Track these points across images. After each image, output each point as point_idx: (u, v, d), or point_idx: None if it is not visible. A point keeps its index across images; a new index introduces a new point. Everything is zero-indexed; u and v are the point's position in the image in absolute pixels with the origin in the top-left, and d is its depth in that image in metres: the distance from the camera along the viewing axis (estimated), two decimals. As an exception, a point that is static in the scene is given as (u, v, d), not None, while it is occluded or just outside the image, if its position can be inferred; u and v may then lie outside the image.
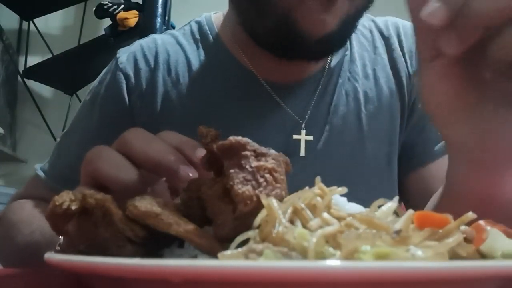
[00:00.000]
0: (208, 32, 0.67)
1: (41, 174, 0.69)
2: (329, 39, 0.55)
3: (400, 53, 0.69)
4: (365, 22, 0.71)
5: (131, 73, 0.65)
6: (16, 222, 0.63)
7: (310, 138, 0.63)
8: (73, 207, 0.29)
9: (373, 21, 0.72)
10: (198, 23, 0.69)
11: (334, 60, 0.66)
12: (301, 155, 0.62)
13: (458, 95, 0.38)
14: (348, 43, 0.68)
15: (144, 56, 0.67)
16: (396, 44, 0.69)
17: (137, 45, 0.69)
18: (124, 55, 0.68)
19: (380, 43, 0.69)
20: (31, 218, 0.62)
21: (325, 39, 0.55)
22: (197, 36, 0.68)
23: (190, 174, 0.34)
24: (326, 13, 0.53)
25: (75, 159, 0.53)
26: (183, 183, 0.33)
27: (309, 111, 0.64)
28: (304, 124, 0.63)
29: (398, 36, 0.70)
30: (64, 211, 0.29)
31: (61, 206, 0.29)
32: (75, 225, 0.30)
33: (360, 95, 0.66)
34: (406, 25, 0.71)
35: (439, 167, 0.64)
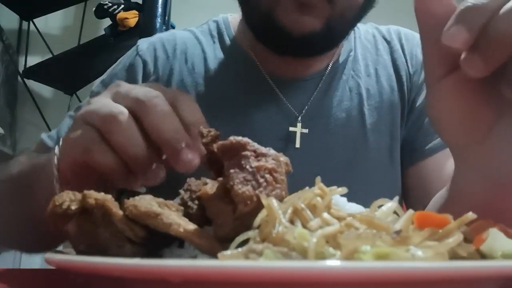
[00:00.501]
0: (224, 30, 0.73)
1: (48, 140, 0.69)
2: (313, 39, 0.59)
3: (401, 54, 0.72)
4: (368, 29, 0.76)
5: (149, 60, 0.70)
6: (13, 166, 0.59)
7: (305, 131, 0.66)
8: (73, 207, 0.29)
9: (376, 28, 0.77)
10: (216, 22, 0.75)
11: (340, 59, 0.70)
12: (296, 146, 0.65)
13: (473, 113, 0.36)
14: (352, 45, 0.72)
15: (163, 46, 0.71)
16: (397, 47, 0.73)
17: (157, 37, 0.74)
18: (144, 44, 0.72)
19: (382, 45, 0.74)
20: (29, 157, 0.59)
21: (309, 39, 0.59)
22: (214, 33, 0.73)
23: (189, 156, 0.36)
24: (303, 14, 0.57)
25: None
26: (182, 166, 0.36)
27: (306, 106, 0.67)
28: (300, 117, 0.66)
29: (400, 40, 0.74)
30: (64, 211, 0.29)
31: (61, 206, 0.29)
32: (75, 225, 0.30)
33: (363, 91, 0.69)
34: (407, 32, 0.75)
35: (437, 162, 0.66)
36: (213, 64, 0.70)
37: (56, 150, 0.42)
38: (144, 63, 0.69)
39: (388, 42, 0.74)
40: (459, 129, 0.37)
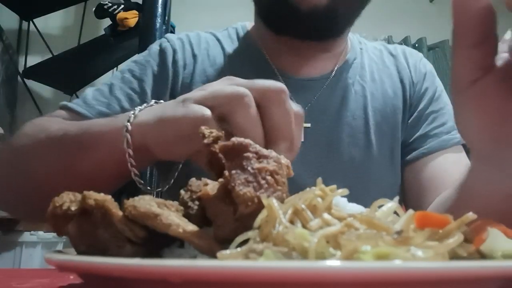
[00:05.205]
0: (242, 33, 0.81)
1: (73, 105, 0.67)
2: (317, 14, 0.65)
3: (406, 65, 0.79)
4: (376, 45, 0.84)
5: (178, 49, 0.76)
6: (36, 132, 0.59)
7: (308, 125, 0.70)
8: (73, 208, 0.29)
9: (383, 45, 0.85)
10: (235, 28, 0.83)
11: (345, 64, 0.76)
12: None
13: (502, 118, 0.35)
14: (358, 54, 0.79)
15: (189, 41, 0.79)
16: (402, 60, 0.80)
17: (183, 34, 0.82)
18: (173, 36, 0.80)
19: (388, 58, 0.81)
20: (52, 123, 0.59)
21: (314, 14, 0.65)
22: (233, 37, 0.81)
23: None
24: None
25: (115, 99, 0.67)
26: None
27: (310, 104, 0.71)
28: None
29: (404, 54, 0.81)
30: (64, 212, 0.29)
31: (61, 207, 0.29)
32: (75, 226, 0.30)
33: (367, 93, 0.74)
34: (412, 50, 0.83)
35: (433, 162, 0.71)
36: (231, 59, 0.77)
37: (131, 118, 0.46)
38: (174, 51, 0.75)
39: (394, 56, 0.81)
40: (488, 134, 0.37)
